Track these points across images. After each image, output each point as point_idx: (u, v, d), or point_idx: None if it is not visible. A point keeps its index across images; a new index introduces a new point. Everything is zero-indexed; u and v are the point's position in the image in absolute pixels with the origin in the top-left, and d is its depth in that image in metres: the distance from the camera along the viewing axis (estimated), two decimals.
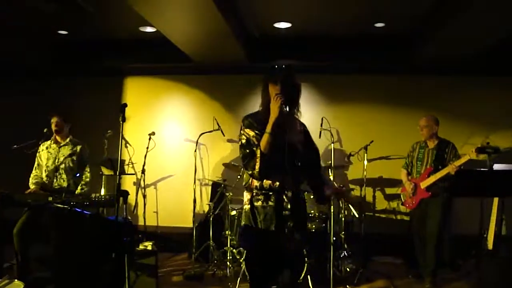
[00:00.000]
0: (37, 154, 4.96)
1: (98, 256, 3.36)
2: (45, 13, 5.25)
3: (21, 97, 7.21)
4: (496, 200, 4.89)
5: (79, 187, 4.81)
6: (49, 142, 4.97)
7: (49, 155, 4.88)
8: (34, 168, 4.93)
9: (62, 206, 3.77)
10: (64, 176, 4.83)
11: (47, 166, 4.84)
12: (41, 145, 4.98)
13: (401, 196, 5.41)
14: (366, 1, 5.12)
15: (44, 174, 4.84)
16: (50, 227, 3.77)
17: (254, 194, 3.01)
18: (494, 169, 4.57)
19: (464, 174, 4.39)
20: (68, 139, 4.97)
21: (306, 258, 4.49)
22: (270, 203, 2.95)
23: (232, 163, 6.27)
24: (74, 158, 4.91)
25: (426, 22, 5.45)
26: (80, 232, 3.42)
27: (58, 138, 4.96)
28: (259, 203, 2.98)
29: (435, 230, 4.95)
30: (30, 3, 5.00)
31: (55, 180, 4.83)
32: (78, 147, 4.99)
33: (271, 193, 2.97)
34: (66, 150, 4.92)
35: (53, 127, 4.93)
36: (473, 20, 4.70)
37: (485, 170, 4.42)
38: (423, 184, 5.02)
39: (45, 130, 5.04)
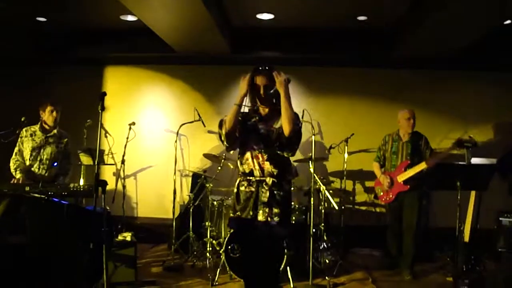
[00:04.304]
0: (19, 140, 4.82)
1: (75, 247, 3.32)
2: None
3: None
4: (473, 193, 4.97)
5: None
6: (34, 128, 4.85)
7: (33, 143, 4.78)
8: (14, 154, 4.79)
9: (39, 196, 3.71)
10: (46, 165, 4.77)
11: (31, 154, 4.75)
12: (24, 131, 4.84)
13: (375, 190, 5.41)
14: None
15: (27, 161, 4.76)
16: (27, 217, 3.72)
17: (241, 180, 3.21)
18: (472, 163, 4.63)
19: (442, 168, 4.45)
20: (55, 130, 4.89)
21: (285, 250, 4.51)
22: (252, 188, 3.14)
23: (213, 153, 6.25)
24: (60, 148, 4.86)
25: (407, 17, 5.48)
26: (58, 222, 3.38)
27: (47, 127, 4.87)
28: (243, 188, 3.19)
29: (414, 221, 5.00)
30: None
31: (36, 168, 4.76)
32: (65, 140, 4.93)
33: (253, 180, 3.15)
34: (52, 140, 4.84)
35: (51, 118, 4.82)
36: (451, 17, 4.74)
37: (463, 163, 4.47)
38: (400, 178, 5.02)
39: (22, 119, 4.92)
